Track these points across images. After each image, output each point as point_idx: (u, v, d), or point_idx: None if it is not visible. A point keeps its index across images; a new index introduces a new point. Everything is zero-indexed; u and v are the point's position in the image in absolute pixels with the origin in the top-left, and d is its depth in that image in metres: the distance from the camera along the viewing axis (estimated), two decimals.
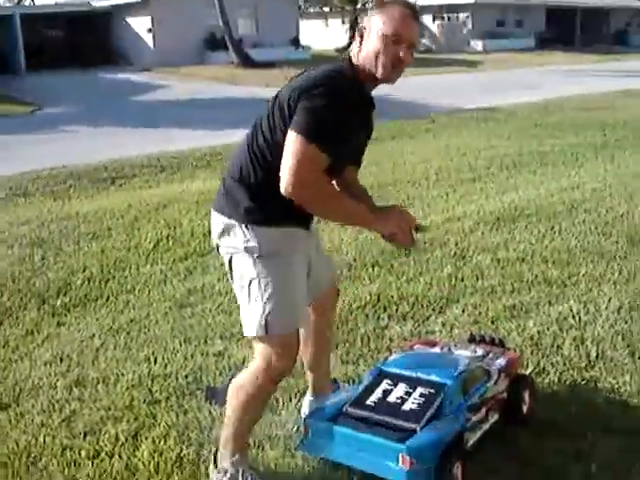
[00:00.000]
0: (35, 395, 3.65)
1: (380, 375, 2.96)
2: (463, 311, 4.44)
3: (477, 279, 4.97)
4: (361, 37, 2.60)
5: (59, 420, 3.39)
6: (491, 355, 3.22)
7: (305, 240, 2.78)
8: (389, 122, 13.53)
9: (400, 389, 2.85)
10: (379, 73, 2.57)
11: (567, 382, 3.52)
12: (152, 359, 3.97)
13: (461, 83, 23.94)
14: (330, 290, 3.14)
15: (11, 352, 4.20)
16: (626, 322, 4.18)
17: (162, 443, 3.14)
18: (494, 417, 3.00)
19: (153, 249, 6.03)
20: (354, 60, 2.61)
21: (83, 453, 3.10)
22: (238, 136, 3.65)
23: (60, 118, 16.77)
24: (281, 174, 2.41)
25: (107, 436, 3.22)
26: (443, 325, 4.26)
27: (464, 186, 8.00)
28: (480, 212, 6.75)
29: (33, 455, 3.12)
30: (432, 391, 2.79)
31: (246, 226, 2.63)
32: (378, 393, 2.85)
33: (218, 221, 2.74)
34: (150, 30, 32.73)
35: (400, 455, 2.54)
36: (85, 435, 3.25)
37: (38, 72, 29.68)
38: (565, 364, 3.69)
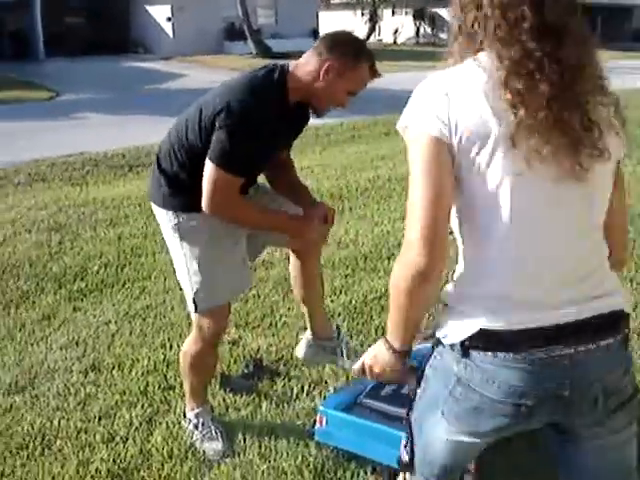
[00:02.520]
0: (51, 379, 3.68)
1: None
2: None
3: None
4: (326, 71, 2.59)
5: (74, 404, 3.42)
6: None
7: None
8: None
9: None
10: (319, 107, 2.74)
11: None
12: (167, 345, 4.00)
13: None
14: None
15: (27, 336, 4.23)
16: None
17: (176, 428, 3.16)
18: None
19: None
20: (295, 71, 2.64)
21: (97, 437, 3.13)
22: None
23: (78, 105, 16.81)
24: (203, 195, 2.61)
25: (122, 420, 3.25)
26: None
27: None
28: None
29: (48, 438, 3.15)
30: None
31: (169, 210, 2.83)
32: (393, 385, 2.84)
33: (152, 206, 2.98)
34: (169, 19, 32.75)
35: None
36: (100, 419, 3.28)
37: (57, 58, 29.75)
38: None
